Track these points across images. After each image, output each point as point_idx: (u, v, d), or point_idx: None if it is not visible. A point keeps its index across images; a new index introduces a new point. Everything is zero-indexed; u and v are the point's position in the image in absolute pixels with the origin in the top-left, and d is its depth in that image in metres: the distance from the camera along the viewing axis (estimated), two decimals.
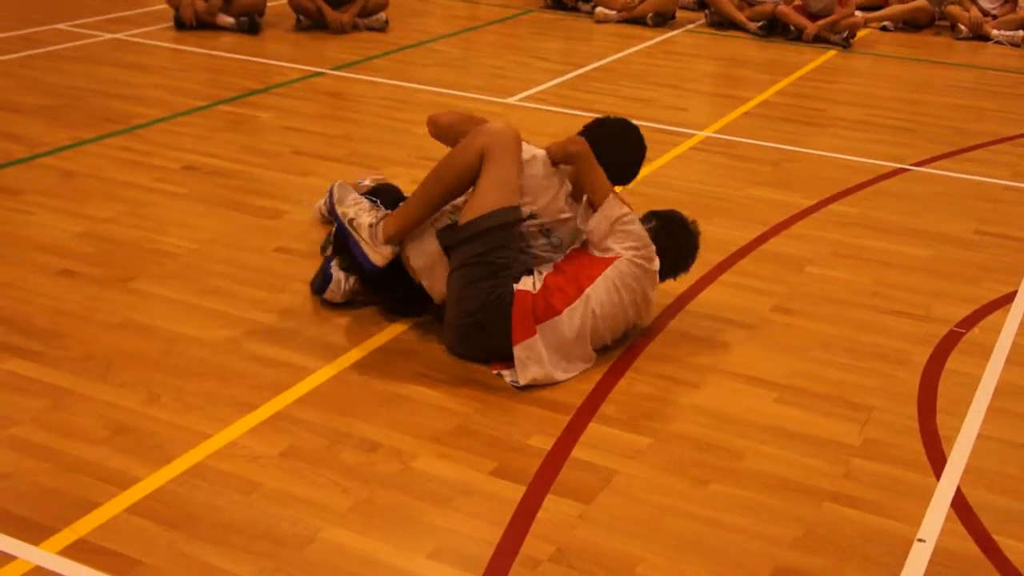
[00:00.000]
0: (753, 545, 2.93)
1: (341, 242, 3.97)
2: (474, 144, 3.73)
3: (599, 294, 3.71)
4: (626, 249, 3.77)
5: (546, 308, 3.65)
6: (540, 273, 3.78)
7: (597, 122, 4.10)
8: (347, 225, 3.82)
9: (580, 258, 3.84)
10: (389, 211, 3.90)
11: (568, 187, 3.94)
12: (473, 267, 3.66)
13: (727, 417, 3.53)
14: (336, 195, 3.98)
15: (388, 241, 3.77)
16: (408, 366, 3.73)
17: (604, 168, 3.86)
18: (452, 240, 3.73)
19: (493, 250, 3.66)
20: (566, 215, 3.92)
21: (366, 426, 3.37)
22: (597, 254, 3.80)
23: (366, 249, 3.78)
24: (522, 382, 3.61)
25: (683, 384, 3.71)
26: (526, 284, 3.69)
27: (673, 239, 3.96)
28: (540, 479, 3.15)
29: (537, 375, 3.62)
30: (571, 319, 3.66)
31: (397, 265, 3.87)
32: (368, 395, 3.55)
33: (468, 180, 3.75)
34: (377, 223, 3.80)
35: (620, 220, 3.78)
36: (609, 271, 3.74)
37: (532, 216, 3.87)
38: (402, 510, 3.00)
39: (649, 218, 3.98)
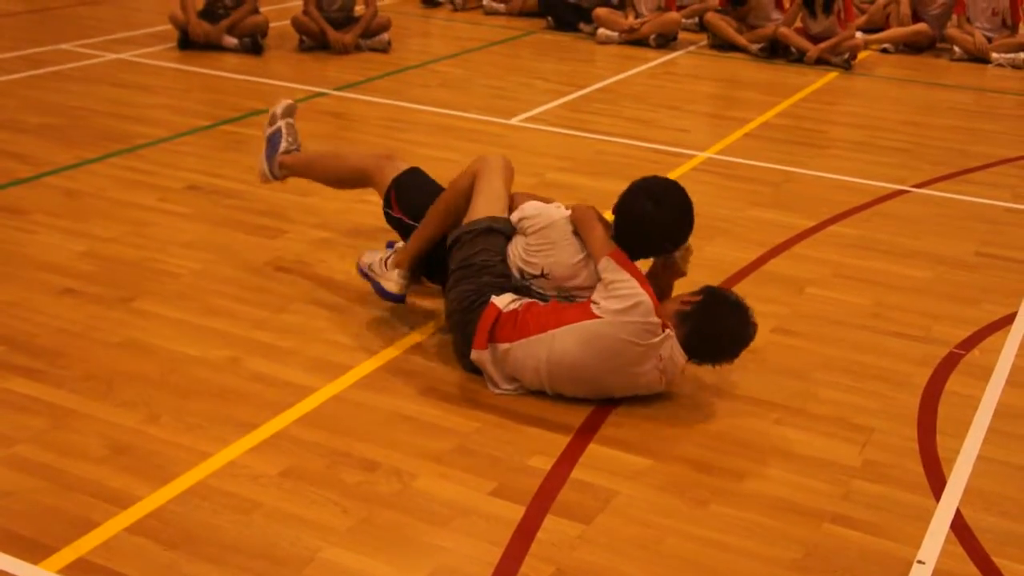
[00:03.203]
0: (753, 566, 2.93)
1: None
2: (469, 170, 4.07)
3: (563, 342, 3.57)
4: (610, 313, 3.53)
5: (501, 332, 3.65)
6: (526, 299, 3.75)
7: (633, 185, 3.85)
8: (366, 272, 4.20)
9: (574, 304, 3.71)
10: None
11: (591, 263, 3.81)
12: (460, 271, 3.84)
13: (727, 438, 3.53)
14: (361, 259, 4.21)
15: (396, 267, 4.08)
16: (408, 386, 3.74)
17: (642, 234, 3.72)
18: (451, 243, 3.94)
19: (476, 253, 3.83)
20: (587, 286, 3.77)
21: (366, 446, 3.37)
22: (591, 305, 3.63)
23: (380, 281, 4.12)
24: (492, 390, 3.73)
25: (683, 405, 3.71)
26: (501, 301, 3.70)
27: (712, 318, 3.62)
28: (540, 500, 3.15)
29: (495, 389, 3.72)
30: (517, 355, 3.63)
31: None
32: (368, 415, 3.56)
33: (464, 202, 4.01)
34: (387, 257, 4.13)
35: (611, 284, 3.59)
36: (580, 324, 3.57)
37: (543, 275, 3.81)
38: (401, 530, 3.00)
39: (698, 292, 3.71)
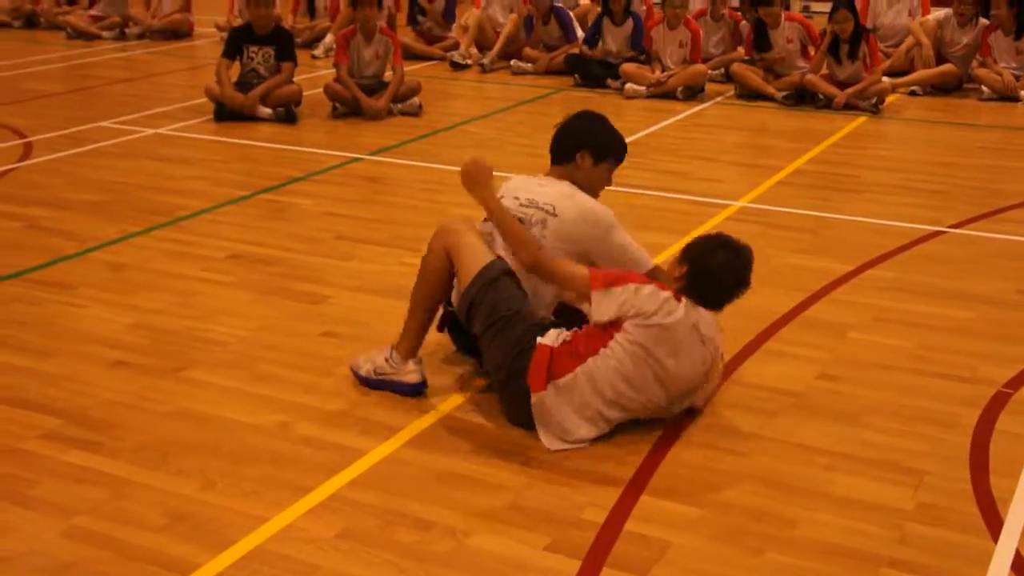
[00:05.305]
0: None
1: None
2: (436, 249, 4.03)
3: (618, 353, 3.68)
4: (633, 318, 3.67)
5: (559, 366, 3.70)
6: (570, 328, 3.84)
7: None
8: (375, 378, 4.13)
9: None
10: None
11: None
12: (491, 329, 3.84)
13: (778, 485, 3.53)
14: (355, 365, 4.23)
15: (408, 358, 4.09)
16: (458, 443, 3.77)
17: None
18: (461, 312, 3.95)
19: (496, 307, 3.82)
20: None
21: (420, 505, 3.40)
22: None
23: (398, 378, 4.08)
24: (549, 447, 3.71)
25: (732, 453, 3.72)
26: (549, 338, 3.76)
27: (709, 276, 3.77)
28: (595, 553, 3.16)
29: (554, 444, 3.70)
30: (582, 381, 3.69)
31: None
32: (420, 474, 3.59)
33: (446, 278, 4.02)
34: (390, 353, 4.10)
35: (622, 306, 3.69)
36: (621, 336, 3.70)
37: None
38: None
39: (682, 262, 3.84)
